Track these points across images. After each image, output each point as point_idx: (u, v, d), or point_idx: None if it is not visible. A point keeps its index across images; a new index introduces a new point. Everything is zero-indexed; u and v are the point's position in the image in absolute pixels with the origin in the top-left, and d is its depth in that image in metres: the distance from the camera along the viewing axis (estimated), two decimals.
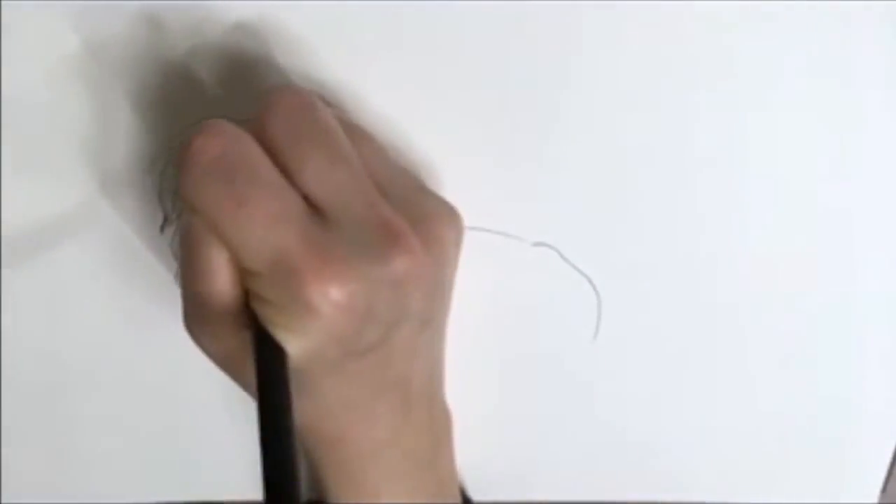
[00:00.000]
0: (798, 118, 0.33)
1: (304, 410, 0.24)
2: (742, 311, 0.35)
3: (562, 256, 0.34)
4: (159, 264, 0.33)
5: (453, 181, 0.33)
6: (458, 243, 0.28)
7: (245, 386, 0.26)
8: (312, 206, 0.24)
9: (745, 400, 0.36)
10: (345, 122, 0.26)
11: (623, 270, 0.34)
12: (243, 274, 0.24)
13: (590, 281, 0.34)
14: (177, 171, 0.25)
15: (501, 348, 0.35)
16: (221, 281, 0.24)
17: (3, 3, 0.31)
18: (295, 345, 0.23)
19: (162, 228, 0.33)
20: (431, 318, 0.27)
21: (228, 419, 0.35)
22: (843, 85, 0.32)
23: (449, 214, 0.27)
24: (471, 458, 0.34)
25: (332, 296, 0.22)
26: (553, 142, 0.33)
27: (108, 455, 0.35)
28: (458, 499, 0.32)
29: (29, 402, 0.35)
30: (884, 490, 0.37)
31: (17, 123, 0.32)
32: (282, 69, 0.32)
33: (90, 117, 0.32)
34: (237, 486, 0.35)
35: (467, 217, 0.33)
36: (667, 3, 0.31)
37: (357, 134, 0.26)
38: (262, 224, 0.23)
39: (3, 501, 0.35)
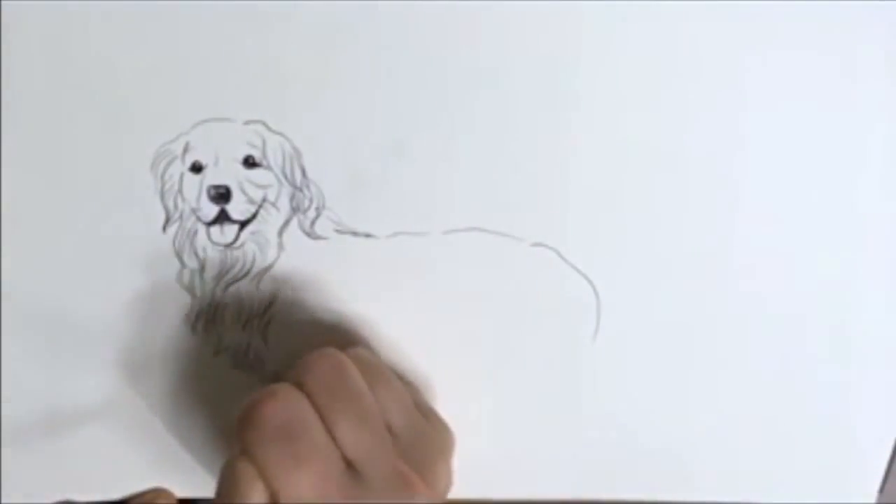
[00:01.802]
0: (798, 120, 0.33)
1: None
2: (741, 311, 0.35)
3: (561, 257, 0.34)
4: (161, 263, 0.33)
5: (454, 182, 0.33)
6: (451, 460, 0.32)
7: None
8: (344, 458, 0.29)
9: (745, 400, 0.36)
10: (366, 361, 0.31)
11: (622, 271, 0.34)
12: None
13: (589, 281, 0.34)
14: (239, 427, 0.28)
15: (501, 348, 0.35)
16: None
17: (2, 3, 0.31)
18: None
19: (164, 227, 0.33)
20: None
21: (227, 418, 0.35)
22: (843, 86, 0.33)
23: (448, 443, 0.32)
24: (471, 456, 0.34)
25: None
26: (552, 143, 0.33)
27: (107, 453, 0.35)
28: None
29: (29, 400, 0.35)
30: (882, 490, 0.37)
31: (19, 121, 0.32)
32: (280, 68, 0.32)
33: (92, 119, 0.32)
34: None
35: (468, 217, 0.34)
36: (666, 5, 0.32)
37: (376, 375, 0.31)
38: (312, 481, 0.27)
39: (3, 502, 0.35)
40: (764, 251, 0.34)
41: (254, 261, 0.34)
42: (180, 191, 0.33)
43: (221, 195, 0.33)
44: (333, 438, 0.28)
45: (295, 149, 0.33)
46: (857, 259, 0.35)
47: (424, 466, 0.30)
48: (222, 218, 0.33)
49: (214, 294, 0.34)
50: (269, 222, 0.33)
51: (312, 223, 0.33)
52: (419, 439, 0.30)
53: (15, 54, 0.31)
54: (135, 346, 0.34)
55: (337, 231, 0.33)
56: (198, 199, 0.33)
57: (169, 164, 0.32)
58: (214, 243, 0.33)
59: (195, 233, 0.33)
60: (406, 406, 0.31)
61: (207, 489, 0.36)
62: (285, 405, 0.28)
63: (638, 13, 0.32)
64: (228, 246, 0.33)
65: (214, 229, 0.33)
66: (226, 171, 0.33)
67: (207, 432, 0.35)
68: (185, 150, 0.32)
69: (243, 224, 0.33)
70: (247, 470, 0.28)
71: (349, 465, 0.28)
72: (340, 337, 0.33)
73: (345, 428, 0.28)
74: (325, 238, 0.34)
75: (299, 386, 0.29)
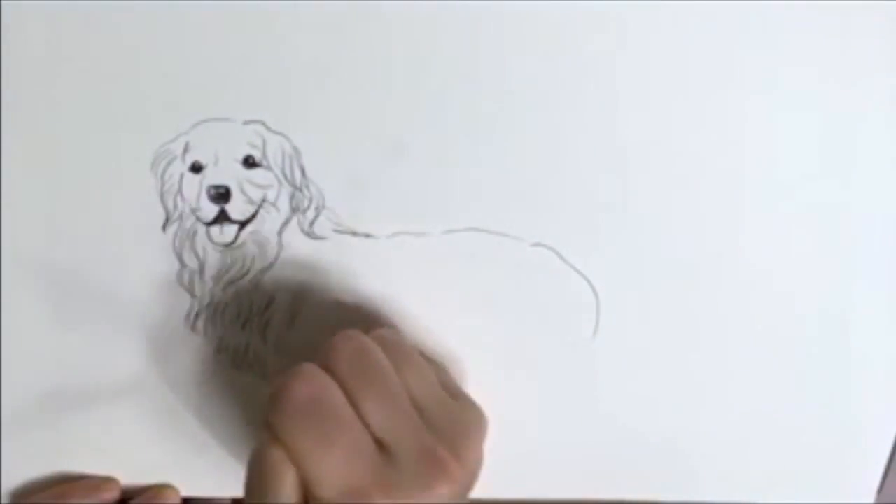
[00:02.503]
0: (797, 120, 0.33)
1: None
2: (740, 312, 0.35)
3: (560, 257, 0.34)
4: (160, 263, 0.33)
5: (453, 182, 0.33)
6: (484, 440, 0.31)
7: None
8: (373, 438, 0.28)
9: (744, 400, 0.36)
10: (389, 341, 0.31)
11: (621, 271, 0.34)
12: (312, 501, 0.27)
13: (588, 281, 0.34)
14: (269, 410, 0.28)
15: (500, 348, 0.35)
16: None
17: (2, 3, 0.31)
18: None
19: (164, 227, 0.33)
20: None
21: (227, 418, 0.35)
22: (843, 87, 0.33)
23: (478, 422, 0.31)
24: None
25: None
26: (552, 143, 0.33)
27: (107, 453, 0.35)
28: None
29: (29, 399, 0.35)
30: (881, 490, 0.37)
31: (19, 121, 0.32)
32: (280, 68, 0.32)
33: (92, 119, 0.32)
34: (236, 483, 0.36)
35: (467, 217, 0.34)
36: (665, 5, 0.32)
37: (400, 355, 0.30)
38: (343, 461, 0.27)
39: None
40: (763, 251, 0.34)
41: (253, 261, 0.34)
42: (180, 191, 0.33)
43: (221, 195, 0.33)
44: (361, 417, 0.28)
45: (295, 149, 0.33)
46: (857, 259, 0.35)
47: (454, 444, 0.29)
48: (222, 218, 0.33)
49: (214, 294, 0.34)
50: (269, 222, 0.33)
51: (312, 223, 0.33)
52: (447, 417, 0.30)
53: (15, 54, 0.31)
54: (134, 346, 0.34)
55: (336, 231, 0.33)
56: (197, 199, 0.33)
57: (169, 164, 0.32)
58: (214, 243, 0.33)
59: (195, 233, 0.33)
60: (431, 384, 0.31)
61: (207, 488, 0.36)
62: (311, 383, 0.28)
63: (637, 14, 0.32)
64: (228, 246, 0.33)
65: (214, 229, 0.33)
66: (226, 171, 0.33)
67: (207, 432, 0.35)
68: (185, 150, 0.32)
69: (243, 224, 0.33)
70: (277, 456, 0.27)
71: (379, 445, 0.28)
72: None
73: (371, 406, 0.28)
74: (324, 238, 0.34)
75: (324, 368, 0.29)
